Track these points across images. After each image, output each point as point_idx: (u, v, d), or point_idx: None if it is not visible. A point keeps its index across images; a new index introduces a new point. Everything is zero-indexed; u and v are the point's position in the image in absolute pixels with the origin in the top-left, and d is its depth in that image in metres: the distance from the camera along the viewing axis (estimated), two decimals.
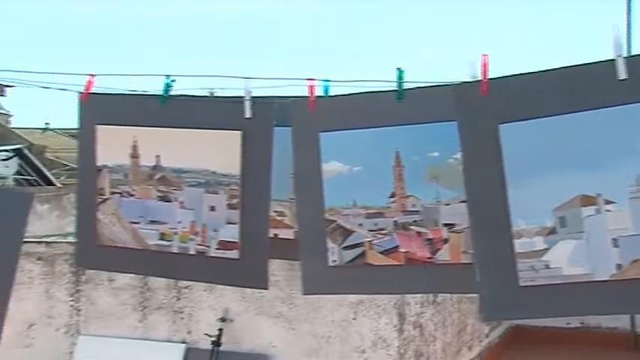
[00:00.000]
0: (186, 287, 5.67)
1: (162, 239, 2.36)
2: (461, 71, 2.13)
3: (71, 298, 5.97)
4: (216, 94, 2.66)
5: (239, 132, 2.29)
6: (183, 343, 5.68)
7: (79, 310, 5.95)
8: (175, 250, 2.35)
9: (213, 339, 5.46)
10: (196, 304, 5.69)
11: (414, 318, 5.63)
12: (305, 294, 2.35)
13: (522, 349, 7.48)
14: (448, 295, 5.97)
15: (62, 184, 14.99)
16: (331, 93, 2.34)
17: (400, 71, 2.18)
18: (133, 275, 5.71)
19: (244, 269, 2.30)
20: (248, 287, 2.47)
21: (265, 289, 2.36)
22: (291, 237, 2.51)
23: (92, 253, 2.42)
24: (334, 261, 2.29)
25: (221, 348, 5.47)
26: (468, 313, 6.93)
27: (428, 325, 5.90)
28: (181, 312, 5.73)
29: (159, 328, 5.75)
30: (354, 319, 5.43)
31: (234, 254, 2.30)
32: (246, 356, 5.55)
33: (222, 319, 5.58)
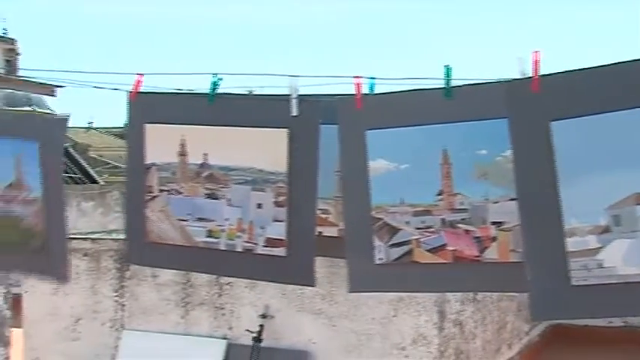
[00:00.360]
0: (227, 284, 5.69)
1: (209, 236, 2.36)
2: (509, 68, 2.09)
3: (116, 294, 6.03)
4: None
5: (286, 130, 2.27)
6: (225, 338, 5.70)
7: (124, 305, 6.01)
8: (223, 248, 2.35)
9: (254, 335, 5.46)
10: (237, 300, 5.71)
11: (454, 316, 5.58)
12: (351, 292, 2.33)
13: (563, 347, 7.36)
14: (488, 292, 5.89)
15: (105, 181, 15.18)
16: (376, 91, 2.32)
17: (448, 69, 2.14)
18: (175, 271, 5.75)
19: (291, 266, 2.29)
20: (295, 284, 2.45)
21: (312, 286, 2.35)
22: (336, 235, 2.49)
23: (141, 250, 2.43)
24: (381, 259, 2.26)
25: (262, 344, 5.47)
26: (508, 310, 6.84)
27: (468, 323, 5.83)
28: (223, 308, 5.75)
29: (201, 324, 5.78)
30: (394, 316, 5.40)
31: (281, 251, 2.29)
32: (286, 352, 5.55)
33: (263, 316, 5.59)
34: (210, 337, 5.74)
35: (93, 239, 6.05)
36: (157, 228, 2.40)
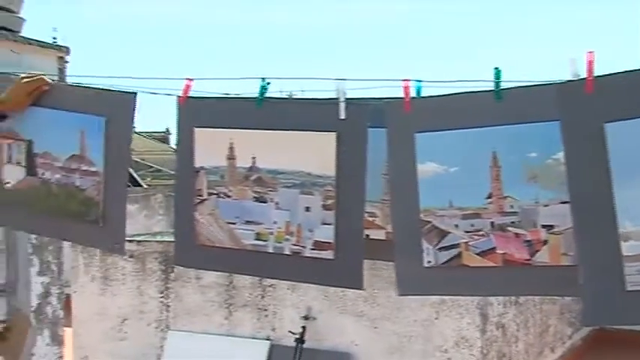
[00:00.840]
0: (270, 286, 5.70)
1: (258, 239, 2.34)
2: (559, 70, 2.04)
3: (161, 295, 6.09)
4: (295, 97, 2.63)
5: (334, 133, 2.24)
6: (268, 339, 5.72)
7: (169, 306, 6.06)
8: (271, 250, 2.33)
9: (297, 336, 5.46)
10: (280, 302, 5.72)
11: (497, 318, 5.51)
12: (400, 295, 2.30)
13: (606, 351, 7.21)
14: (539, 296, 5.80)
15: (148, 185, 15.34)
16: (424, 94, 2.28)
17: (498, 71, 2.09)
18: (219, 273, 5.78)
19: (339, 269, 2.26)
20: (343, 287, 2.43)
21: (360, 289, 2.32)
22: (383, 238, 2.46)
23: (190, 253, 2.43)
24: (429, 262, 2.22)
25: (304, 345, 5.47)
26: (551, 314, 6.73)
27: (510, 326, 5.75)
28: (266, 309, 5.76)
29: (244, 325, 5.80)
30: (436, 318, 5.35)
31: (329, 254, 2.27)
32: (328, 354, 5.53)
33: (306, 317, 5.58)
34: (253, 338, 5.76)
35: (138, 241, 6.11)
36: (205, 231, 2.39)
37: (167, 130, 22.28)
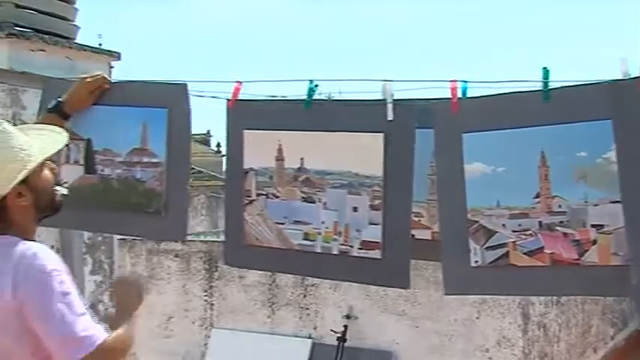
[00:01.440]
0: (312, 285, 5.70)
1: (306, 239, 2.35)
2: (607, 69, 2.01)
3: (205, 294, 6.13)
4: (334, 98, 2.63)
5: (381, 134, 2.24)
6: (310, 338, 5.71)
7: (212, 304, 6.10)
8: (319, 250, 2.34)
9: (339, 335, 5.45)
10: (322, 301, 5.71)
11: (538, 318, 5.42)
12: (447, 294, 2.28)
13: None
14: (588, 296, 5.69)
15: (190, 186, 15.46)
16: (469, 94, 2.26)
17: (546, 70, 2.07)
18: (262, 272, 5.80)
19: (386, 269, 2.26)
20: (389, 286, 2.42)
21: (407, 288, 2.31)
22: (428, 237, 2.44)
23: (240, 252, 2.44)
24: (476, 261, 2.20)
25: (346, 344, 5.46)
26: (593, 314, 6.60)
27: (552, 326, 5.66)
28: (308, 308, 5.76)
29: (286, 324, 5.81)
30: (477, 318, 5.29)
31: (376, 254, 2.26)
32: (370, 352, 5.51)
33: (347, 316, 5.57)
34: (296, 336, 5.76)
35: (183, 241, 6.15)
36: (254, 231, 2.41)
37: (208, 132, 22.41)
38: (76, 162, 2.61)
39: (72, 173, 2.57)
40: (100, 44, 3.53)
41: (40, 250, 1.76)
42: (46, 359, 1.75)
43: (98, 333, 1.72)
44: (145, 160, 2.50)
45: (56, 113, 2.36)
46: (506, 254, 2.17)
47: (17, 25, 3.14)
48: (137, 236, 4.86)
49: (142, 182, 2.50)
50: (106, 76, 2.46)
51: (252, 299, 5.93)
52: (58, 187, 1.96)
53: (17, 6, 3.16)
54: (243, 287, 5.98)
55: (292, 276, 5.71)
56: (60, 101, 2.38)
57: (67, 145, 2.55)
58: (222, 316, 6.05)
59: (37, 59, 3.16)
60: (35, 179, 1.84)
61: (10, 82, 2.91)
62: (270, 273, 5.77)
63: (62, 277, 1.74)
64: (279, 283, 5.84)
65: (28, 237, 1.82)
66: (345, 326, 5.48)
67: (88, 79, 2.45)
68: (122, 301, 2.02)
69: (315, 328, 5.72)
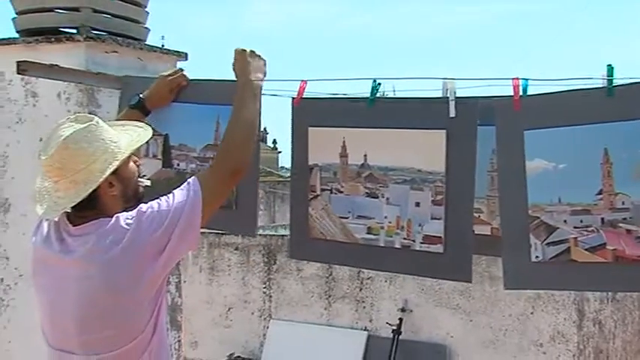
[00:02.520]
0: (368, 278, 5.72)
1: (369, 233, 2.36)
2: None
3: (264, 286, 6.22)
4: (388, 96, 2.63)
5: (443, 131, 2.24)
6: (365, 330, 5.74)
7: (271, 296, 6.19)
8: (382, 244, 2.35)
9: (394, 328, 5.46)
10: (377, 294, 5.73)
11: (593, 314, 5.33)
12: (507, 289, 2.26)
13: None
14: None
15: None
16: (530, 92, 2.24)
17: (611, 68, 2.04)
18: (319, 265, 5.85)
19: (448, 263, 2.26)
20: (451, 280, 2.41)
21: (469, 282, 2.30)
22: (487, 233, 2.43)
23: (305, 246, 2.47)
24: (537, 257, 2.18)
25: (401, 336, 5.46)
26: None
27: (607, 322, 5.56)
28: (363, 301, 5.79)
29: (343, 316, 5.85)
30: (531, 313, 5.24)
31: (438, 248, 2.26)
32: (425, 345, 5.51)
33: (402, 309, 5.58)
34: (351, 328, 5.80)
35: (253, 235, 6.24)
36: (318, 225, 2.43)
37: (265, 129, 22.59)
38: (154, 156, 2.67)
39: (150, 167, 2.63)
40: (162, 45, 3.61)
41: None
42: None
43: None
44: None
45: (138, 109, 2.42)
46: (568, 250, 2.15)
47: (94, 29, 3.24)
48: (211, 228, 4.92)
49: None
50: (185, 74, 2.50)
51: (310, 292, 5.99)
52: (141, 179, 2.05)
53: (94, 11, 3.25)
54: (301, 280, 6.04)
55: (349, 269, 5.74)
56: (141, 98, 2.44)
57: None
58: (280, 308, 6.13)
59: (110, 60, 3.25)
60: (124, 170, 1.92)
61: (86, 82, 2.99)
62: (327, 266, 5.82)
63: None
64: (335, 276, 5.88)
65: None
66: (401, 319, 5.50)
67: (169, 77, 2.49)
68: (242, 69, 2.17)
69: (370, 321, 5.75)
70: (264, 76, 2.23)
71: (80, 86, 3.18)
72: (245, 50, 2.24)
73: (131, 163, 1.97)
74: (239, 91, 2.16)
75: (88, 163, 1.84)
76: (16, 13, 3.44)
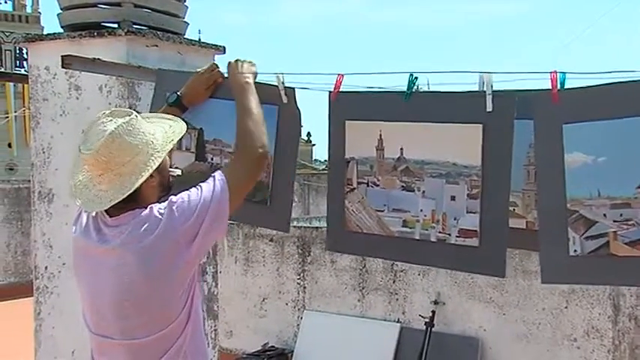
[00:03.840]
0: (401, 270, 5.70)
1: (405, 226, 2.35)
2: None
3: (298, 277, 6.24)
4: (423, 90, 2.60)
5: (480, 125, 2.21)
6: (398, 322, 5.72)
7: (305, 287, 6.20)
8: (417, 237, 2.33)
9: (427, 320, 5.44)
10: (410, 286, 5.71)
11: (629, 310, 5.24)
12: (544, 283, 2.23)
13: None
14: None
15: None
16: (567, 85, 2.21)
17: None
18: (352, 257, 5.85)
19: (483, 257, 2.23)
20: (486, 274, 2.39)
21: (502, 276, 2.27)
22: (523, 227, 2.40)
23: (341, 239, 2.47)
24: (575, 251, 2.15)
25: (434, 329, 5.44)
26: None
27: None
28: (396, 293, 5.77)
29: (376, 308, 5.84)
30: (565, 307, 5.16)
31: (473, 242, 2.24)
32: (457, 338, 5.48)
33: (435, 302, 5.55)
34: (384, 320, 5.79)
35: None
36: (355, 218, 2.43)
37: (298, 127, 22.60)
38: (188, 149, 2.70)
39: (183, 160, 2.65)
40: (199, 39, 3.63)
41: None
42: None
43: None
44: None
45: (176, 106, 2.45)
46: (607, 244, 2.11)
47: (135, 23, 3.27)
48: (244, 222, 4.95)
49: None
50: (220, 71, 2.51)
51: (343, 283, 5.99)
52: (171, 169, 2.11)
53: (135, 5, 3.29)
54: (335, 272, 6.04)
55: (382, 262, 5.73)
56: (179, 95, 2.47)
57: None
58: (313, 299, 6.14)
59: (150, 54, 3.27)
60: (162, 162, 1.97)
61: (127, 75, 3.03)
62: (361, 258, 5.82)
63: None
64: (369, 268, 5.87)
65: None
66: (433, 312, 5.47)
67: (205, 75, 2.51)
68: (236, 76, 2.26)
69: (403, 313, 5.73)
70: (255, 75, 2.35)
71: (121, 79, 3.22)
72: (237, 60, 2.36)
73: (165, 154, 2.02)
74: (234, 89, 2.28)
75: (132, 156, 1.89)
76: (61, 9, 3.49)
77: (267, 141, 2.14)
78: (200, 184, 1.97)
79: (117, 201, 1.88)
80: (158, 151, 1.93)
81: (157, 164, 1.92)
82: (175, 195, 1.95)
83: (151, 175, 1.93)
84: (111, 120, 1.89)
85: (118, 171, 1.88)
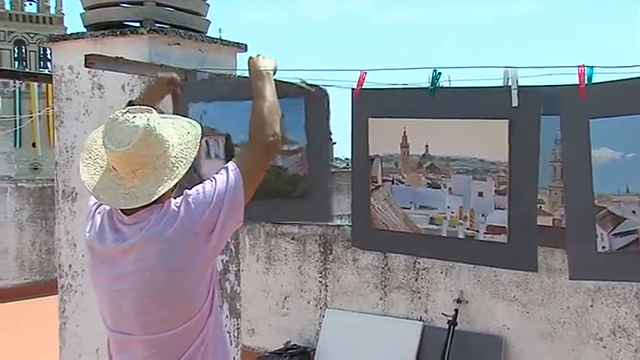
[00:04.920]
0: (424, 269, 5.67)
1: (432, 223, 2.34)
2: None
3: (320, 275, 6.23)
4: (445, 85, 2.58)
5: (506, 121, 2.20)
6: (421, 320, 5.69)
7: (327, 285, 6.19)
8: (445, 234, 2.32)
9: (450, 318, 5.40)
10: (433, 284, 5.67)
11: None
12: (572, 279, 2.22)
13: None
14: None
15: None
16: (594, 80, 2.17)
17: None
18: (374, 256, 5.83)
19: (512, 253, 2.22)
20: (516, 270, 2.38)
21: (534, 271, 2.26)
22: (549, 224, 2.38)
23: (367, 236, 2.47)
24: (603, 247, 2.12)
25: (456, 327, 5.40)
26: None
27: None
28: (419, 292, 5.74)
29: (398, 306, 5.81)
30: (591, 306, 5.10)
31: (502, 238, 2.23)
32: (480, 336, 5.43)
33: (458, 300, 5.51)
34: (407, 318, 5.76)
35: (300, 224, 6.26)
36: (380, 215, 2.42)
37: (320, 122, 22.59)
38: (217, 156, 2.69)
39: (213, 168, 2.65)
40: (219, 37, 3.63)
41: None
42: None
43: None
44: (285, 148, 2.55)
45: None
46: (636, 241, 2.09)
47: (157, 22, 3.28)
48: (287, 221, 4.93)
49: (284, 169, 2.56)
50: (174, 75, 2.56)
51: (365, 281, 5.97)
52: None
53: (157, 4, 3.30)
54: (357, 270, 6.02)
55: (404, 259, 5.71)
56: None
57: (206, 142, 2.66)
58: (335, 297, 6.13)
59: (173, 52, 3.29)
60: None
61: (149, 74, 3.04)
62: (383, 256, 5.79)
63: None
64: (391, 266, 5.84)
65: None
66: (456, 310, 5.43)
67: (164, 82, 2.57)
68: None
69: (426, 311, 5.70)
70: (275, 70, 2.32)
71: (143, 78, 3.23)
72: (258, 55, 2.34)
73: None
74: (253, 79, 2.25)
75: (164, 149, 1.91)
76: (84, 9, 3.52)
77: (279, 129, 2.13)
78: (214, 175, 1.98)
79: (157, 195, 1.88)
80: (191, 141, 1.97)
81: (194, 154, 1.95)
82: (189, 189, 1.96)
83: None
84: (135, 116, 1.90)
85: (153, 165, 1.89)
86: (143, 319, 1.94)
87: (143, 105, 2.51)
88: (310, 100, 2.47)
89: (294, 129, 2.52)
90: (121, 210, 1.94)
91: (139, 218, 1.91)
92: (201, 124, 2.13)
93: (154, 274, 1.89)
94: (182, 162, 1.93)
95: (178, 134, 2.00)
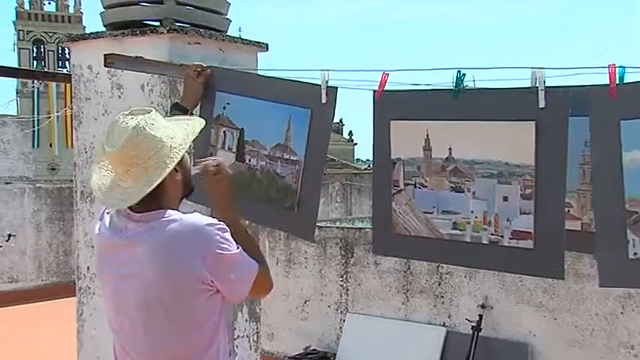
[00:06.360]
0: (447, 273, 5.64)
1: (455, 228, 2.32)
2: None
3: (340, 279, 6.22)
4: (470, 87, 2.56)
5: (532, 122, 2.17)
6: (444, 326, 5.66)
7: (347, 289, 6.18)
8: (468, 240, 2.30)
9: (474, 324, 5.37)
10: (457, 289, 5.64)
11: None
12: (602, 286, 2.18)
13: None
14: None
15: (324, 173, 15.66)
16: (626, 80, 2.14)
17: None
18: (396, 259, 5.81)
19: (539, 259, 2.19)
20: (543, 277, 2.35)
21: (561, 278, 2.22)
22: (578, 229, 2.34)
23: (388, 241, 2.45)
24: (635, 253, 2.09)
25: (481, 333, 5.36)
26: None
27: None
28: (442, 296, 5.71)
29: (420, 311, 5.79)
30: (621, 313, 5.04)
31: (528, 244, 2.20)
32: (505, 343, 5.39)
33: (482, 306, 5.47)
34: (429, 323, 5.73)
35: (320, 227, 6.26)
36: (402, 220, 2.40)
37: (340, 120, 22.69)
38: (230, 149, 2.72)
39: (225, 158, 2.67)
40: (239, 36, 3.64)
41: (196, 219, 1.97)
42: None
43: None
44: (286, 156, 2.58)
45: (179, 112, 2.56)
46: None
47: (177, 21, 3.30)
48: (274, 228, 4.99)
49: (281, 177, 2.59)
50: (202, 65, 2.64)
51: (387, 285, 5.95)
52: (192, 167, 2.15)
53: (177, 3, 3.32)
54: (378, 274, 6.01)
55: (427, 264, 5.68)
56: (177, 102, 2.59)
57: (223, 132, 2.70)
58: (356, 301, 6.12)
59: (193, 52, 3.29)
60: (183, 157, 2.02)
61: (169, 73, 3.05)
62: (405, 260, 5.77)
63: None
64: (413, 270, 5.82)
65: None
66: (480, 315, 5.40)
67: (192, 78, 2.67)
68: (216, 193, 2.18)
69: (449, 317, 5.67)
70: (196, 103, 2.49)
71: (163, 78, 3.25)
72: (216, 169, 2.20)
73: (186, 152, 2.07)
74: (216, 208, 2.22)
75: (156, 150, 1.93)
76: (104, 7, 3.54)
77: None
78: (241, 249, 2.00)
79: (144, 194, 1.91)
80: (180, 144, 1.98)
81: (181, 155, 1.97)
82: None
83: (175, 170, 1.98)
84: (132, 117, 1.95)
85: (144, 165, 1.92)
86: (147, 321, 1.96)
87: (184, 105, 2.61)
88: (317, 114, 2.48)
89: (297, 140, 2.54)
90: (130, 209, 1.97)
91: (146, 218, 1.95)
92: (222, 114, 2.16)
93: (157, 275, 1.91)
94: (175, 162, 1.96)
95: (186, 134, 2.03)
